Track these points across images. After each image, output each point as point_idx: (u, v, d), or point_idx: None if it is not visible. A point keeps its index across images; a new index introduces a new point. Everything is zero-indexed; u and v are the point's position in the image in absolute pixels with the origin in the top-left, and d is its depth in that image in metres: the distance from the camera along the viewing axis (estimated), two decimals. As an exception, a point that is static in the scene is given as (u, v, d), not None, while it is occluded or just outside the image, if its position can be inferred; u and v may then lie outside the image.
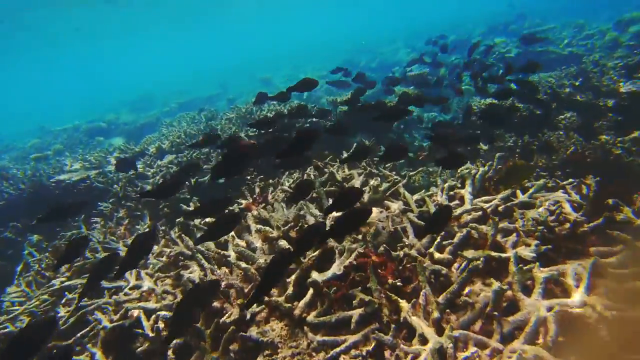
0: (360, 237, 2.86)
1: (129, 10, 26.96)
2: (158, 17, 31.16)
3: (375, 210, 3.22)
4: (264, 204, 3.92)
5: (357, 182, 4.00)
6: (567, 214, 2.24)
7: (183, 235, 3.59)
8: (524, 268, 1.90)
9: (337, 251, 2.77)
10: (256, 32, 52.81)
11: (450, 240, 2.50)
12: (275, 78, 16.41)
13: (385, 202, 3.33)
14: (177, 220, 4.16)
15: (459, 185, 3.16)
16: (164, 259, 3.44)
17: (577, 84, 5.21)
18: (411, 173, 3.71)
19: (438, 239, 2.46)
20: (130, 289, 3.22)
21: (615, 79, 4.90)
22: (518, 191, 2.95)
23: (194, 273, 3.01)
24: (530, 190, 2.83)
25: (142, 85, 26.15)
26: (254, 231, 3.22)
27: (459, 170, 3.36)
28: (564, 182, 3.01)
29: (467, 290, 2.09)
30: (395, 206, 3.20)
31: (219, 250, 3.10)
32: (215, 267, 2.99)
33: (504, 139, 4.26)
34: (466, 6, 28.50)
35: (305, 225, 3.17)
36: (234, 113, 7.04)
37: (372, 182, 3.39)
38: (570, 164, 3.64)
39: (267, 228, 3.20)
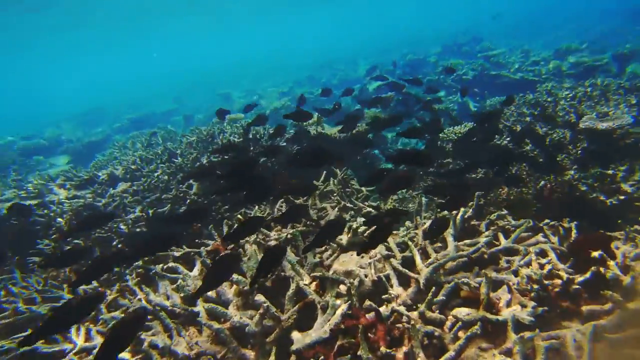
0: (343, 288, 2.70)
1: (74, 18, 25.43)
2: (109, 25, 29.73)
3: (355, 255, 3.08)
4: (233, 246, 3.68)
5: (332, 217, 3.86)
6: (558, 270, 2.21)
7: (143, 285, 3.27)
8: (525, 337, 1.82)
9: (319, 307, 2.60)
10: (213, 46, 51.83)
11: (439, 297, 2.39)
12: (234, 93, 16.07)
13: (365, 245, 3.20)
14: (136, 263, 3.80)
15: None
16: (117, 313, 3.10)
17: (536, 113, 5.39)
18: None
19: (429, 296, 2.35)
20: (77, 353, 2.78)
21: (568, 110, 5.13)
22: (500, 234, 2.93)
23: (157, 336, 2.70)
24: (513, 235, 2.81)
25: (91, 98, 24.77)
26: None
27: (438, 209, 3.30)
28: (541, 223, 3.03)
29: (463, 355, 2.00)
30: (377, 250, 3.07)
31: (187, 307, 2.82)
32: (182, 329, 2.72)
33: (475, 170, 4.29)
34: (424, 22, 29.64)
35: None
36: (195, 136, 6.70)
37: (353, 224, 3.25)
38: (541, 198, 3.70)
39: (241, 278, 2.96)
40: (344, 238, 3.27)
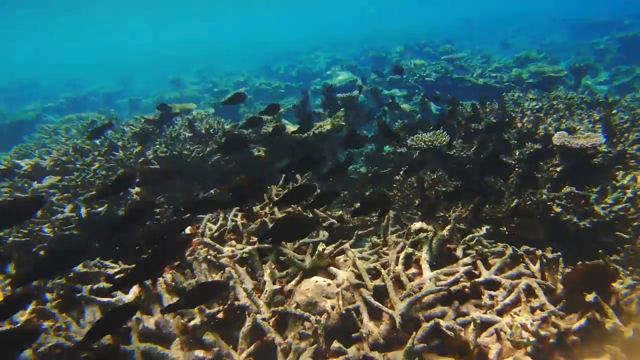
0: (307, 327, 2.33)
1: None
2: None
3: (321, 282, 2.72)
4: (179, 263, 3.19)
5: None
6: (554, 315, 1.98)
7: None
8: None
9: (280, 350, 2.21)
10: (166, 26, 48.85)
11: (418, 346, 2.09)
12: (186, 79, 15.07)
13: (332, 269, 2.85)
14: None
15: (415, 252, 2.81)
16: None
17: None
18: (360, 232, 3.27)
19: (408, 344, 2.03)
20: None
21: (534, 122, 5.06)
22: (479, 263, 2.68)
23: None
24: (495, 267, 2.58)
25: (20, 68, 22.37)
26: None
27: (412, 231, 3.01)
28: (520, 250, 2.82)
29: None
30: (344, 276, 2.73)
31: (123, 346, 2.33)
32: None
33: (447, 183, 4.07)
34: (389, 20, 29.68)
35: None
36: (140, 126, 6.00)
37: (318, 247, 2.88)
38: (515, 216, 3.53)
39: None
40: (307, 260, 2.90)
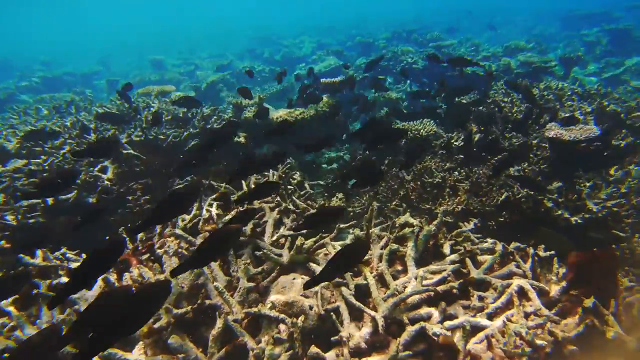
0: (282, 329, 2.15)
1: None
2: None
3: (299, 279, 2.54)
4: (148, 256, 2.96)
5: (270, 223, 3.26)
6: (550, 321, 1.83)
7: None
8: None
9: (252, 355, 2.03)
10: (149, 4, 47.19)
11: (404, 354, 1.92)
12: (168, 60, 14.53)
13: (311, 265, 2.67)
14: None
15: (400, 248, 2.64)
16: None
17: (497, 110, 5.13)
18: (342, 225, 3.08)
19: (395, 347, 1.86)
20: None
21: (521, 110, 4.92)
22: (468, 261, 2.53)
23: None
24: (484, 265, 2.42)
25: (-6, 47, 21.39)
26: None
27: (397, 225, 2.83)
28: (511, 247, 2.68)
29: None
30: (324, 273, 2.54)
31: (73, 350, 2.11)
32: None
33: (433, 174, 3.90)
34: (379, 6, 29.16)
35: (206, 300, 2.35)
36: (115, 108, 5.66)
37: (297, 241, 2.68)
38: (504, 211, 3.38)
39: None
40: (284, 255, 2.70)
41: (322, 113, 5.44)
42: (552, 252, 2.42)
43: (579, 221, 3.17)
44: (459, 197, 3.71)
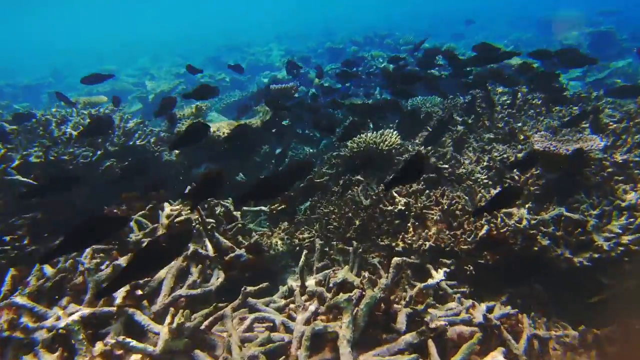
0: None
1: None
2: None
3: None
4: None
5: (169, 278, 2.32)
6: None
7: None
8: None
9: None
10: (115, 14, 45.64)
11: None
12: (124, 71, 13.43)
13: (197, 356, 1.74)
14: None
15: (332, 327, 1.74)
16: None
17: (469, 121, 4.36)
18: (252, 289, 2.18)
19: None
20: None
21: (507, 121, 4.16)
22: (431, 346, 1.64)
23: None
24: (459, 356, 1.54)
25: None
26: None
27: (332, 284, 1.94)
28: (495, 314, 1.81)
29: None
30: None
31: None
32: None
33: (395, 200, 3.04)
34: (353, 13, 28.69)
35: None
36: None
37: (177, 317, 1.75)
38: (484, 248, 2.53)
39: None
40: (160, 337, 1.76)
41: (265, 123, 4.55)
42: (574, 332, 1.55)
43: (586, 263, 2.33)
44: (426, 230, 2.85)
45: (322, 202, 3.89)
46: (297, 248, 3.53)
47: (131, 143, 4.48)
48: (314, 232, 3.61)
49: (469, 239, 2.58)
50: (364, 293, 1.78)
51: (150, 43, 21.99)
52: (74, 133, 4.22)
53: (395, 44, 11.10)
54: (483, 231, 2.53)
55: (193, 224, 2.85)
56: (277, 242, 3.53)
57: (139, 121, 4.71)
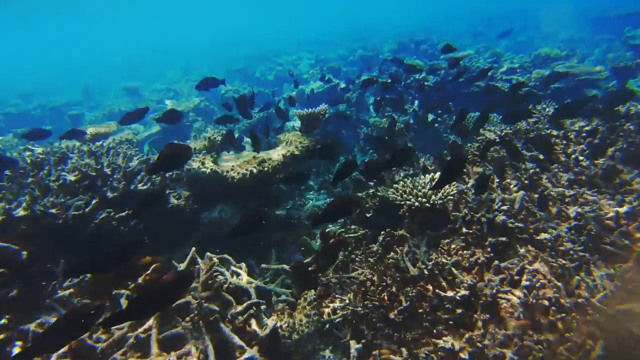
0: None
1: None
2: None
3: None
4: None
5: None
6: None
7: None
8: None
9: None
10: (145, 28, 46.34)
11: None
12: (150, 86, 13.09)
13: None
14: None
15: None
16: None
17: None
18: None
19: None
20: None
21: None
22: None
23: None
24: None
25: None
26: None
27: None
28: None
29: None
30: None
31: None
32: None
33: (457, 282, 2.27)
34: (382, 17, 27.82)
35: None
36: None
37: None
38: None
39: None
40: None
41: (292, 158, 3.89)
42: None
43: None
44: (502, 328, 2.06)
45: (356, 260, 3.18)
46: (327, 325, 2.83)
47: (132, 187, 3.89)
48: (347, 300, 2.89)
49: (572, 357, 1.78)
50: None
51: (182, 55, 21.92)
52: (72, 178, 3.67)
53: (433, 50, 10.21)
54: (598, 350, 1.73)
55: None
56: (301, 319, 2.83)
57: (145, 157, 4.13)
